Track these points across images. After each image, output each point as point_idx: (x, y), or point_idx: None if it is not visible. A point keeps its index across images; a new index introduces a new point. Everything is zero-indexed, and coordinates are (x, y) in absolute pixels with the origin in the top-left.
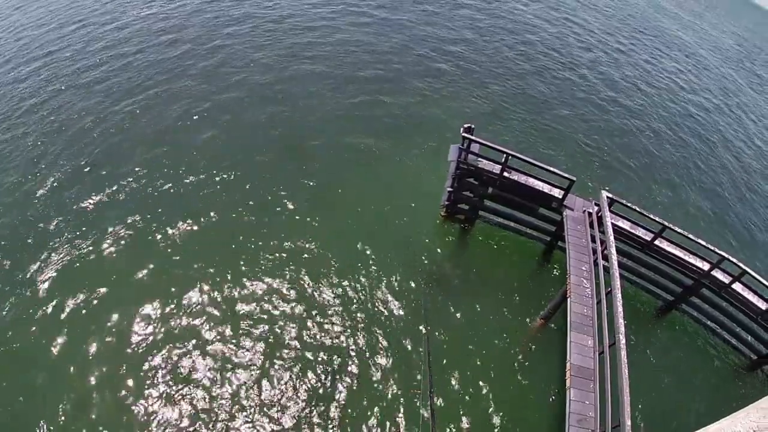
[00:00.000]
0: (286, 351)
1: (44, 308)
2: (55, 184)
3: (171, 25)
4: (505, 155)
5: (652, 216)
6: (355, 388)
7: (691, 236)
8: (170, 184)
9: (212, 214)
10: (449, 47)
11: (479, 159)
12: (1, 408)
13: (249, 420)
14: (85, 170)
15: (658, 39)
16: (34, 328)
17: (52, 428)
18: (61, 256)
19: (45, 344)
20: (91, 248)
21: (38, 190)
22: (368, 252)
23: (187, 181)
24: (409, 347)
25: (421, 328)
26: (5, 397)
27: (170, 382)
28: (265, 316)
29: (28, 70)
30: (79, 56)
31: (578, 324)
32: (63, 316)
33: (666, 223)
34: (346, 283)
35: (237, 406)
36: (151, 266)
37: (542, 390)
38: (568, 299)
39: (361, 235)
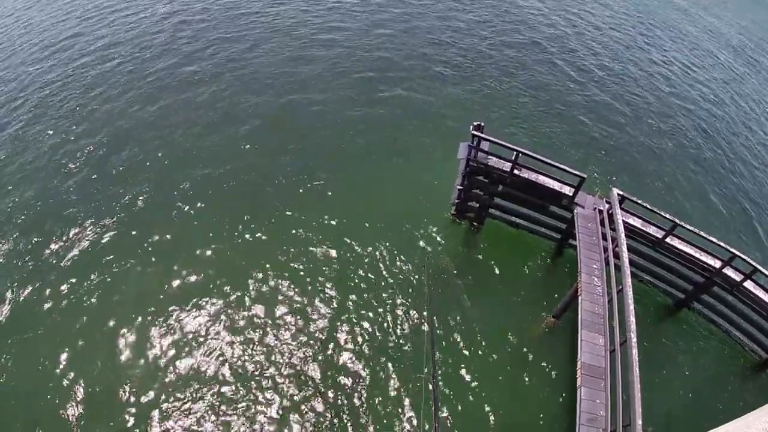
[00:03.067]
0: (285, 344)
1: (68, 287)
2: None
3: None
4: (515, 153)
5: (663, 213)
6: (357, 383)
7: (702, 233)
8: (189, 169)
9: (225, 200)
10: (462, 43)
11: (489, 157)
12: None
13: (242, 408)
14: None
15: (664, 32)
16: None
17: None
18: (86, 235)
19: (65, 323)
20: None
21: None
22: (376, 251)
23: (209, 166)
24: (414, 344)
25: (426, 324)
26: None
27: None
28: (266, 312)
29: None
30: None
31: (589, 322)
32: (90, 292)
33: (677, 221)
34: (351, 281)
35: (237, 395)
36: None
37: (552, 389)
38: (579, 297)
39: (369, 234)
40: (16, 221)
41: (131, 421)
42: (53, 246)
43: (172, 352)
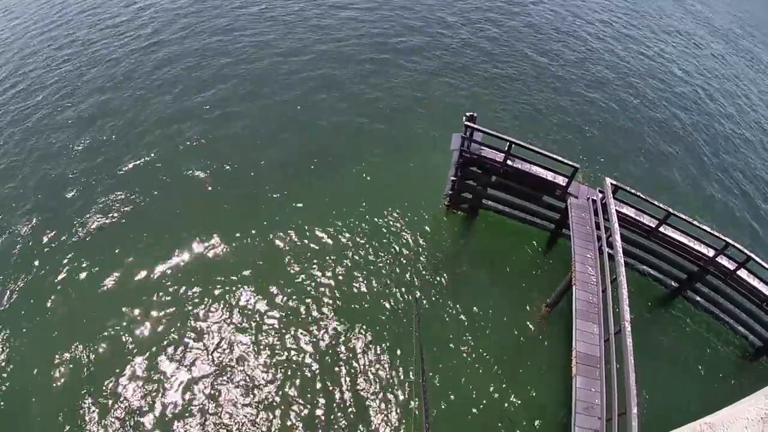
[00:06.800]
0: (273, 338)
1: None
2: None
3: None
4: (508, 143)
5: (656, 202)
6: (346, 378)
7: (695, 222)
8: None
9: (216, 195)
10: (455, 35)
11: (482, 148)
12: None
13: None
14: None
15: (654, 21)
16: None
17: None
18: (94, 220)
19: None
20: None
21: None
22: (369, 242)
23: (207, 159)
24: (404, 346)
25: (414, 316)
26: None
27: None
28: (253, 303)
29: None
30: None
31: (584, 312)
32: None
33: (670, 210)
34: (342, 275)
35: (226, 390)
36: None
37: (548, 378)
38: (574, 287)
39: (362, 225)
40: (15, 208)
41: (130, 418)
42: (52, 235)
43: (171, 345)
